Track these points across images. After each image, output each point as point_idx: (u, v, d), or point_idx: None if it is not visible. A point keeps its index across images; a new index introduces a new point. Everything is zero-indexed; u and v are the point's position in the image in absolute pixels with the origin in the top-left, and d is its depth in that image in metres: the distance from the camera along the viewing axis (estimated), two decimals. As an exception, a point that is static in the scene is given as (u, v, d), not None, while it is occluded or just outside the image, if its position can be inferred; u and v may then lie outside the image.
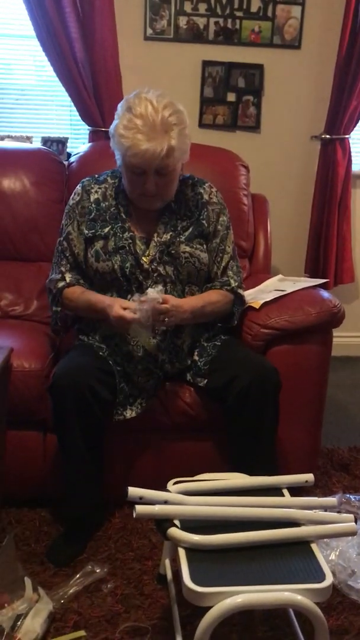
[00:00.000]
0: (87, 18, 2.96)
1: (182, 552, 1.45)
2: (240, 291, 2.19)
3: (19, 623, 1.64)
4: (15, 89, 3.29)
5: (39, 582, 1.82)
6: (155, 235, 2.09)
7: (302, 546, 1.50)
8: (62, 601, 1.81)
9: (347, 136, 3.37)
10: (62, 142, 3.19)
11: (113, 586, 1.88)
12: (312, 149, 3.45)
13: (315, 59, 3.32)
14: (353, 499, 2.22)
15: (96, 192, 2.14)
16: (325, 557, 1.84)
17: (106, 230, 2.09)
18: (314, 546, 1.51)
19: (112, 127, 2.02)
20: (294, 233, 3.54)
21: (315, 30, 3.28)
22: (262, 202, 2.85)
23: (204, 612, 1.35)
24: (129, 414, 2.06)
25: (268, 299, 2.23)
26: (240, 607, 1.35)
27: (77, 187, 2.18)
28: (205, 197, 2.16)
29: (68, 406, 1.92)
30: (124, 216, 2.11)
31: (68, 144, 3.20)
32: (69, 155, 3.04)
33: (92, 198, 2.13)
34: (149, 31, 3.19)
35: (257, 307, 2.20)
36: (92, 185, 2.16)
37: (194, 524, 1.51)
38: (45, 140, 3.18)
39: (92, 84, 3.05)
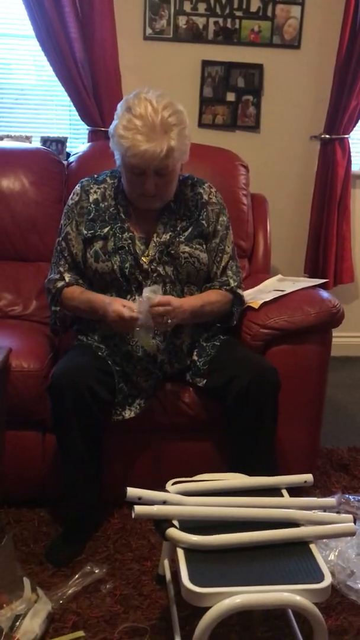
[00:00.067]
0: (86, 18, 2.96)
1: (180, 553, 1.45)
2: (239, 291, 2.19)
3: (17, 623, 1.64)
4: (14, 88, 3.29)
5: (37, 583, 1.82)
6: (155, 235, 2.09)
7: (301, 546, 1.50)
8: (60, 601, 1.80)
9: (346, 136, 3.37)
10: (61, 142, 3.19)
11: (112, 586, 1.88)
12: (312, 149, 3.45)
13: (314, 58, 3.32)
14: (352, 499, 2.22)
15: (95, 192, 2.14)
16: (324, 557, 1.84)
17: (105, 230, 2.09)
18: (313, 546, 1.51)
19: (111, 127, 2.02)
20: (294, 233, 3.53)
21: (315, 30, 3.28)
22: (262, 202, 2.85)
23: (203, 612, 1.35)
24: (128, 414, 2.06)
25: (267, 299, 2.23)
26: (239, 607, 1.35)
27: (76, 187, 2.18)
28: (205, 197, 2.16)
29: (67, 406, 1.91)
30: (123, 216, 2.11)
31: (67, 144, 3.20)
32: (68, 155, 3.05)
33: (91, 198, 2.13)
34: (149, 31, 3.19)
35: (257, 307, 2.20)
36: (91, 186, 2.15)
37: (192, 525, 1.51)
38: (45, 140, 3.18)
39: (92, 84, 3.05)
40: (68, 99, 3.12)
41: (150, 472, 2.16)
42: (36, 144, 3.16)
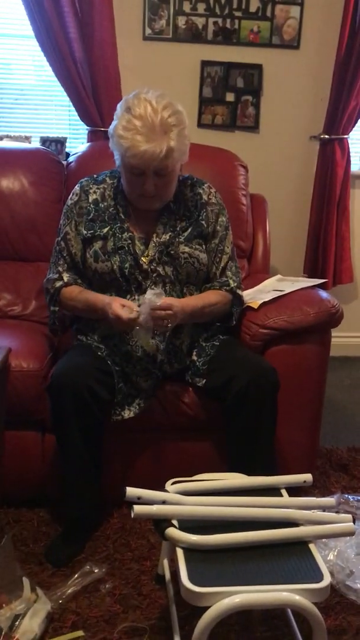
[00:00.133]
0: (85, 18, 2.96)
1: (180, 552, 1.45)
2: (239, 291, 2.19)
3: (17, 623, 1.64)
4: (14, 88, 3.29)
5: (37, 582, 1.82)
6: (155, 235, 2.09)
7: (300, 546, 1.50)
8: (60, 601, 1.80)
9: (345, 136, 3.38)
10: (60, 142, 3.19)
11: (111, 586, 1.88)
12: (311, 149, 3.45)
13: (314, 59, 3.33)
14: (351, 499, 2.22)
15: (95, 192, 2.14)
16: (323, 557, 1.84)
17: (105, 230, 2.09)
18: (312, 546, 1.51)
19: (111, 127, 2.02)
20: (293, 233, 3.54)
21: (314, 31, 3.28)
22: (261, 202, 2.85)
23: (202, 612, 1.35)
24: (128, 414, 2.06)
25: (267, 299, 2.23)
26: (238, 607, 1.35)
27: (76, 187, 2.18)
28: (205, 197, 2.16)
29: (66, 406, 1.92)
30: (122, 216, 2.11)
31: (67, 144, 3.20)
32: (68, 155, 3.05)
33: (90, 198, 2.13)
34: (148, 31, 3.19)
35: (256, 307, 2.20)
36: (91, 186, 2.15)
37: (192, 524, 1.51)
38: (44, 140, 3.18)
39: (91, 84, 3.05)
40: (67, 99, 3.12)
41: (150, 472, 2.16)
42: (35, 144, 3.16)
